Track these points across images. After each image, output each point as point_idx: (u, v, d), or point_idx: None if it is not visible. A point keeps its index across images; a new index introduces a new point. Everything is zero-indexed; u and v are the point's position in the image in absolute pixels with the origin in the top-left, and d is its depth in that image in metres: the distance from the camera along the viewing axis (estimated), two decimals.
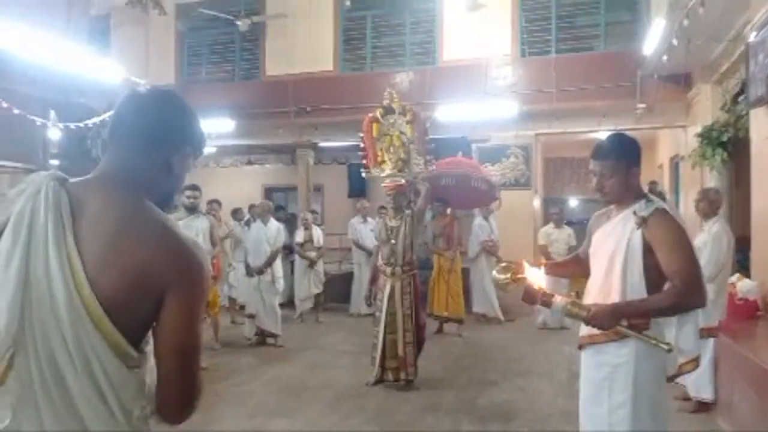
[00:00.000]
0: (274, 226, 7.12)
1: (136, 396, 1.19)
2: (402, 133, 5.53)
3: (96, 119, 7.25)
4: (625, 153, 2.39)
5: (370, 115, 5.72)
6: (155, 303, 1.17)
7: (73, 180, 1.24)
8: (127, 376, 1.17)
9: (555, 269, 2.78)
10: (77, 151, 7.51)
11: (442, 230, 7.96)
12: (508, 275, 2.51)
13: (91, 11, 9.20)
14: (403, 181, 5.47)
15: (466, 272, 8.51)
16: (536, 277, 2.43)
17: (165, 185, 1.33)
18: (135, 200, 1.23)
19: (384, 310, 5.28)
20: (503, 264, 2.59)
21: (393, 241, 5.34)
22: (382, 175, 5.61)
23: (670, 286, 2.20)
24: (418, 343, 5.38)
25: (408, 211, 5.44)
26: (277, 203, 12.57)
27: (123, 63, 8.42)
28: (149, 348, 1.23)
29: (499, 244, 8.31)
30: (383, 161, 5.61)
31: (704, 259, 4.29)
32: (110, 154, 1.29)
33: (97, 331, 1.12)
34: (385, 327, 5.27)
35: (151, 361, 1.23)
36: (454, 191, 7.67)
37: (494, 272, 2.61)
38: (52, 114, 7.39)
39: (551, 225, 8.36)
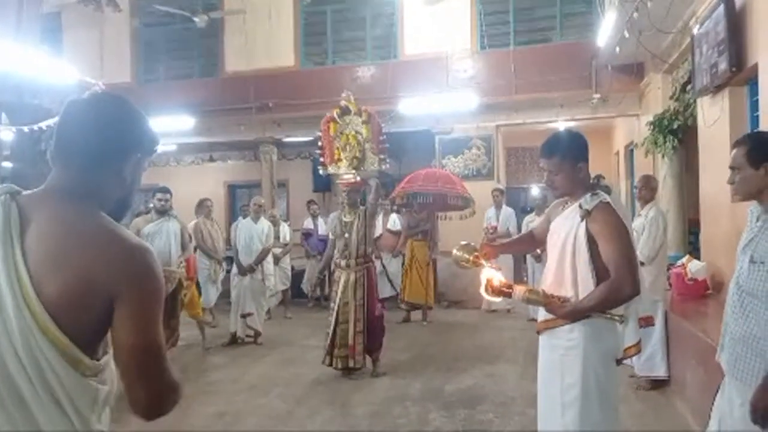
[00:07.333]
0: (265, 224, 7.15)
1: (92, 404, 1.21)
2: (358, 132, 5.70)
3: (50, 121, 7.08)
4: (569, 149, 2.48)
5: (328, 115, 5.87)
6: (106, 309, 1.19)
7: (25, 193, 1.26)
8: (82, 384, 1.19)
9: (505, 248, 2.89)
10: (31, 153, 7.33)
11: (417, 222, 8.31)
12: (470, 256, 2.61)
13: (41, 9, 8.91)
14: (358, 178, 5.62)
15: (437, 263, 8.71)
16: (495, 273, 2.53)
17: (118, 194, 1.34)
18: (83, 211, 1.24)
19: (338, 301, 5.45)
20: (464, 243, 2.66)
21: (347, 235, 5.51)
22: (339, 172, 5.77)
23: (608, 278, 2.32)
24: (376, 333, 5.53)
25: (362, 207, 5.61)
26: (241, 201, 12.51)
27: (76, 63, 8.23)
28: (106, 358, 1.25)
29: (507, 233, 8.26)
30: (339, 159, 5.78)
31: (641, 243, 4.54)
32: (59, 167, 1.30)
33: (45, 338, 1.14)
34: (337, 317, 5.42)
35: (112, 366, 1.26)
36: (432, 199, 8.06)
37: (455, 250, 2.68)
38: (3, 116, 7.18)
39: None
